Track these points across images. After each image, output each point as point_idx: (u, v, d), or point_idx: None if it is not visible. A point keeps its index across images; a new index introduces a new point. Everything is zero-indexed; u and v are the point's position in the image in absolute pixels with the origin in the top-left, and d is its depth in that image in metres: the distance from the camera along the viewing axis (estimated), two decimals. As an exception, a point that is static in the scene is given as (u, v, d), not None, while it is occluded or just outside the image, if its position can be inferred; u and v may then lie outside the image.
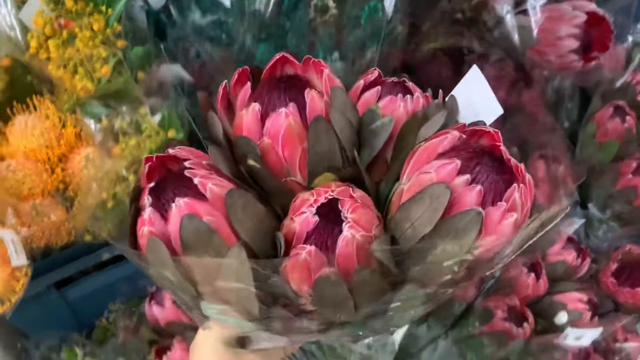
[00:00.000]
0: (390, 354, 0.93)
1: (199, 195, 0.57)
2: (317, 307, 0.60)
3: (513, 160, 0.59)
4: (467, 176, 0.56)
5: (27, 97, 1.13)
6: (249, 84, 0.66)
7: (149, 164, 0.61)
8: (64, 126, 1.12)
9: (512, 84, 1.44)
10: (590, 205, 1.54)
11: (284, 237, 0.59)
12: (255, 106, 0.62)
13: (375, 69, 0.74)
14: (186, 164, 0.60)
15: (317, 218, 0.57)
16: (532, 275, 1.40)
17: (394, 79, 0.73)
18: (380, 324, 0.66)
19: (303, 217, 0.58)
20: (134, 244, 0.59)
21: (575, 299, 1.42)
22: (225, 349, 0.72)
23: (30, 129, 1.10)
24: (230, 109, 0.69)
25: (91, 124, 1.10)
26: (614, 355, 1.45)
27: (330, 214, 0.58)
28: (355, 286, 0.57)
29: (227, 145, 0.65)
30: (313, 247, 0.56)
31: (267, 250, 0.60)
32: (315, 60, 0.67)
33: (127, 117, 1.08)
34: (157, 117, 1.09)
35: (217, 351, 0.72)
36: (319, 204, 0.58)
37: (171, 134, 1.09)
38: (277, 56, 0.67)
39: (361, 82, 0.73)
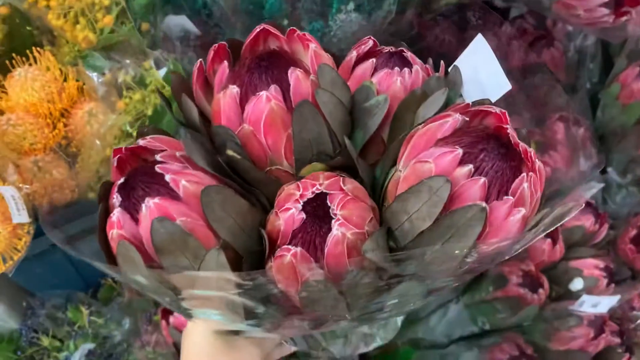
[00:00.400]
0: (393, 331, 0.89)
1: (172, 194, 0.52)
2: (306, 309, 0.56)
3: (522, 145, 0.52)
4: (470, 167, 0.50)
5: (26, 49, 1.08)
6: (226, 63, 0.60)
7: (118, 156, 0.56)
8: (65, 79, 1.08)
9: (532, 42, 1.36)
10: (610, 170, 1.47)
11: (269, 234, 0.54)
12: (233, 89, 0.56)
13: (369, 38, 0.67)
14: (158, 157, 0.54)
15: (303, 215, 0.52)
16: (548, 240, 1.34)
17: (391, 48, 0.66)
18: (376, 317, 0.62)
19: (288, 214, 0.52)
20: (105, 244, 0.54)
21: (591, 266, 1.36)
22: (217, 336, 0.68)
23: (30, 81, 1.05)
24: (208, 87, 0.63)
25: (94, 77, 1.07)
26: (630, 323, 1.41)
27: (318, 210, 0.52)
28: (347, 287, 0.52)
29: (206, 131, 0.59)
30: (299, 249, 0.51)
31: (253, 245, 0.55)
32: (301, 33, 0.60)
33: (131, 71, 1.04)
34: (163, 71, 1.04)
35: (208, 339, 0.68)
36: (305, 199, 0.52)
37: None
38: (258, 28, 0.60)
39: (354, 54, 0.66)
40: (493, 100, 0.60)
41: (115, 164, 0.56)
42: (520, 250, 0.56)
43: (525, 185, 0.51)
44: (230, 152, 0.55)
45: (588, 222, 1.40)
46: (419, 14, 1.12)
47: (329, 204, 0.52)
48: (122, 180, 0.53)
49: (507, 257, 0.56)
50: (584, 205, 1.33)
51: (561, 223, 0.52)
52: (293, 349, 0.79)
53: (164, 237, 0.50)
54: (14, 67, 1.08)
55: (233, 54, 0.62)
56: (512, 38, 1.34)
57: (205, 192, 0.51)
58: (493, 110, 0.54)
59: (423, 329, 1.36)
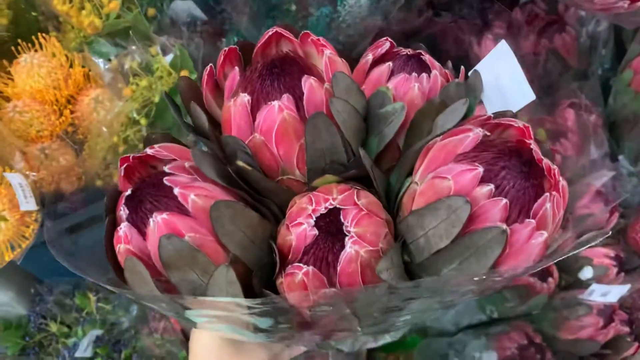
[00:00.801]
0: (403, 330, 0.88)
1: (180, 208, 0.50)
2: (317, 325, 0.54)
3: (545, 161, 0.50)
4: (491, 187, 0.48)
5: (32, 35, 1.07)
6: (237, 69, 0.57)
7: (126, 165, 0.54)
8: (71, 66, 1.08)
9: (544, 28, 1.33)
10: (621, 158, 1.45)
11: (280, 248, 0.53)
12: (244, 97, 0.54)
13: (386, 39, 0.64)
14: (166, 168, 0.53)
15: (315, 231, 0.50)
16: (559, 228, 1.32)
17: (409, 51, 0.63)
18: (389, 329, 0.61)
19: (300, 229, 0.51)
20: (112, 256, 0.52)
21: (601, 254, 1.35)
22: (224, 338, 0.67)
23: (36, 68, 1.05)
24: (219, 91, 0.61)
25: (100, 63, 1.05)
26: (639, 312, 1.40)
27: (330, 226, 0.50)
28: (360, 305, 0.51)
29: (216, 137, 0.57)
30: (311, 268, 0.50)
31: (263, 258, 0.54)
32: (315, 38, 0.58)
33: (138, 57, 1.03)
34: (169, 57, 1.02)
35: (216, 341, 0.67)
36: (318, 214, 0.51)
37: (183, 74, 1.02)
38: (270, 31, 0.58)
39: (370, 57, 0.63)
40: (515, 110, 0.58)
41: (122, 173, 0.54)
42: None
43: (548, 205, 0.49)
44: (240, 163, 0.53)
45: (599, 210, 1.38)
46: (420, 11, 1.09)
47: (342, 220, 0.50)
48: (129, 192, 0.52)
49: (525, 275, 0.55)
50: (595, 194, 1.32)
51: (585, 248, 0.51)
52: (303, 349, 0.78)
53: (171, 253, 0.49)
54: (19, 53, 1.07)
55: (244, 56, 0.60)
56: (524, 23, 1.32)
57: (214, 207, 0.50)
58: (516, 125, 0.52)
59: (431, 317, 1.35)
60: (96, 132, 1.05)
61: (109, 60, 1.05)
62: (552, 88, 1.31)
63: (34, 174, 1.05)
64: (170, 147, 0.55)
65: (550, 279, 1.28)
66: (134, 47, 1.04)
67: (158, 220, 0.49)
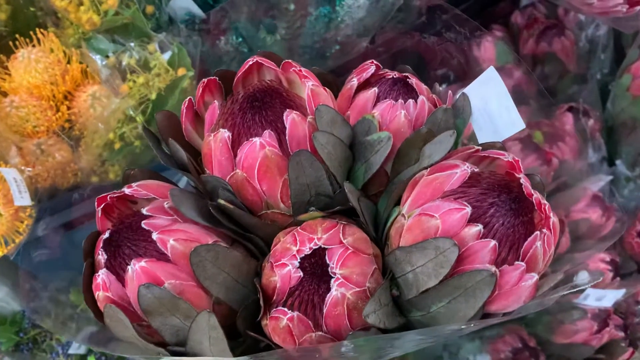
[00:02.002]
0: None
1: (160, 253, 0.49)
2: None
3: (536, 196, 0.49)
4: (479, 228, 0.47)
5: (30, 30, 1.04)
6: (216, 103, 0.56)
7: (103, 205, 0.52)
8: (69, 62, 1.04)
9: (543, 31, 1.32)
10: (619, 163, 1.43)
11: (264, 288, 0.52)
12: (224, 133, 0.52)
13: (372, 62, 0.62)
14: (144, 210, 0.51)
15: (300, 273, 0.49)
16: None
17: (394, 74, 0.61)
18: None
19: (285, 271, 0.50)
20: (91, 301, 0.52)
21: (597, 259, 1.33)
22: None
23: (33, 63, 1.02)
24: (199, 121, 0.59)
25: (97, 60, 1.04)
26: (635, 317, 1.40)
27: (316, 268, 0.49)
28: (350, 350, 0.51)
29: (197, 171, 0.56)
30: (296, 314, 0.49)
31: (249, 295, 0.53)
32: (297, 69, 0.56)
33: (135, 54, 1.02)
34: (167, 55, 1.00)
35: None
36: (302, 254, 0.49)
37: (181, 72, 1.00)
38: (251, 60, 0.56)
39: (354, 82, 0.62)
40: (504, 137, 0.57)
41: (99, 214, 0.53)
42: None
43: (539, 244, 0.48)
44: (222, 202, 0.52)
45: (595, 214, 1.36)
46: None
47: (327, 260, 0.49)
48: (107, 235, 0.51)
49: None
50: (591, 199, 1.31)
51: (578, 290, 0.51)
52: None
53: (151, 301, 0.48)
54: (17, 48, 1.05)
55: (225, 85, 0.58)
56: (523, 27, 1.31)
57: (195, 253, 0.48)
58: (505, 159, 0.51)
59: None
60: (93, 128, 1.03)
61: (107, 57, 1.04)
62: (551, 92, 1.30)
63: (29, 169, 1.03)
64: (149, 185, 0.54)
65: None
66: (132, 44, 1.03)
67: (136, 269, 0.48)
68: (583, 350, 1.33)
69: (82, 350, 1.32)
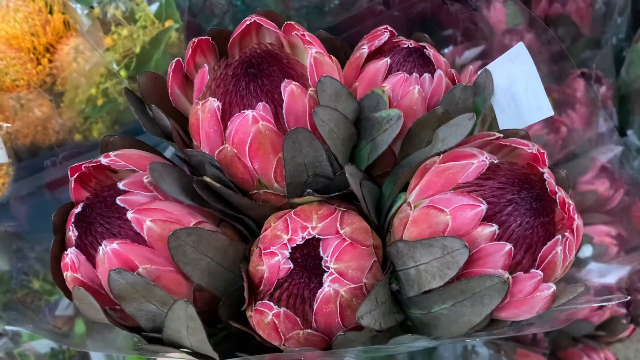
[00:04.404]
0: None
1: (135, 234, 0.44)
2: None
3: (560, 194, 0.43)
4: (494, 229, 0.41)
5: (9, -23, 0.98)
6: (206, 67, 0.49)
7: (77, 175, 0.47)
8: (50, 12, 0.97)
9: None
10: (630, 133, 1.37)
11: (251, 276, 0.46)
12: (214, 103, 0.46)
13: (385, 28, 0.55)
14: (121, 185, 0.46)
15: (290, 265, 0.44)
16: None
17: (410, 43, 0.54)
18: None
19: (273, 260, 0.44)
20: (60, 279, 0.46)
21: (602, 232, 1.27)
22: None
23: (12, 12, 0.96)
24: (189, 84, 0.53)
25: (78, 9, 0.98)
26: (638, 294, 1.35)
27: (308, 260, 0.44)
28: (338, 346, 0.46)
29: (183, 142, 0.50)
30: (282, 310, 0.44)
31: (234, 281, 0.47)
32: (300, 32, 0.50)
33: (122, 5, 0.95)
34: (154, 6, 0.94)
35: None
36: (294, 244, 0.44)
37: (168, 24, 0.94)
38: (249, 20, 0.50)
39: (365, 49, 0.55)
40: (528, 123, 0.51)
41: (73, 184, 0.47)
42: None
43: (559, 249, 0.42)
44: (208, 180, 0.46)
45: (602, 186, 1.30)
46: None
47: (321, 253, 0.44)
48: (79, 209, 0.45)
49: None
50: (600, 170, 1.25)
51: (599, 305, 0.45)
52: None
53: (123, 287, 0.43)
54: (-6, -4, 0.99)
55: (219, 46, 0.52)
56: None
57: (173, 236, 0.43)
58: (529, 151, 0.45)
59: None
60: (75, 83, 0.97)
61: (92, 7, 0.97)
62: (562, 56, 1.24)
63: (8, 125, 0.98)
64: (129, 156, 0.48)
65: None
66: None
67: (107, 251, 0.43)
68: (583, 327, 1.28)
69: (70, 311, 1.28)
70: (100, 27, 0.97)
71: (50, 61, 0.99)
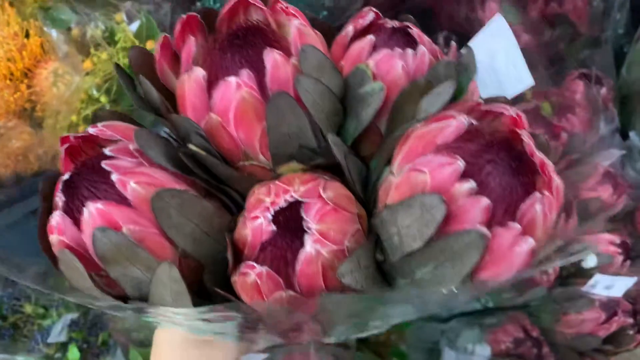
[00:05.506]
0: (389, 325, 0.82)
1: (120, 197, 0.45)
2: (274, 330, 0.49)
3: (538, 156, 0.44)
4: (472, 184, 0.42)
5: (-20, -1, 0.98)
6: (192, 38, 0.50)
7: (67, 145, 0.48)
8: (27, 35, 0.98)
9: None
10: (632, 134, 1.34)
11: (236, 242, 0.47)
12: (198, 72, 0.47)
13: (370, 9, 0.57)
14: (107, 150, 0.47)
15: (273, 227, 0.45)
16: (562, 214, 1.23)
17: (395, 23, 0.56)
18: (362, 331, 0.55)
19: (256, 223, 0.45)
20: (47, 247, 0.47)
21: (606, 241, 1.25)
22: (186, 339, 0.62)
23: None
24: (178, 62, 0.53)
25: (53, 33, 0.97)
26: (645, 303, 1.33)
27: (290, 222, 0.45)
28: (321, 311, 0.46)
29: (170, 116, 0.51)
30: (265, 269, 0.44)
31: (220, 251, 0.47)
32: (285, 6, 0.51)
33: (101, 25, 0.95)
34: (135, 26, 0.94)
35: (177, 342, 0.62)
36: (276, 207, 0.45)
37: (149, 45, 0.94)
38: None
39: (350, 28, 0.56)
40: (510, 96, 0.51)
41: (63, 154, 0.48)
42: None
43: (538, 207, 0.42)
44: (192, 146, 0.47)
45: (606, 193, 1.27)
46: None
47: (303, 215, 0.44)
48: (66, 176, 0.46)
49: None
50: (603, 176, 1.24)
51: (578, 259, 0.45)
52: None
53: (108, 247, 0.43)
54: (-32, 20, 0.99)
55: (208, 25, 0.53)
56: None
57: (157, 196, 0.44)
58: (508, 113, 0.46)
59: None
60: (56, 108, 0.97)
61: (69, 29, 0.97)
62: (560, 57, 1.23)
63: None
64: (115, 126, 0.49)
65: (550, 270, 1.20)
66: (96, 14, 0.96)
67: (92, 210, 0.43)
68: (589, 341, 1.26)
69: (62, 337, 1.28)
70: (78, 50, 0.96)
71: (28, 86, 0.98)
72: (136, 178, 0.45)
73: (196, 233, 0.46)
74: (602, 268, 1.24)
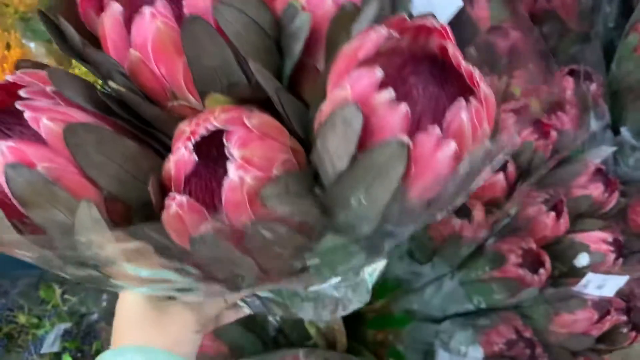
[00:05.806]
0: (367, 294, 0.79)
1: (36, 136, 0.43)
2: (206, 270, 0.47)
3: (465, 66, 0.41)
4: (390, 91, 0.40)
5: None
6: None
7: None
8: (8, 48, 0.98)
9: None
10: (623, 130, 1.32)
11: (164, 181, 0.45)
12: (115, 7, 0.46)
13: None
14: (22, 92, 0.45)
15: (195, 157, 0.43)
16: (552, 213, 1.18)
17: None
18: (305, 279, 0.53)
19: (178, 155, 0.43)
20: None
21: (598, 239, 1.20)
22: (148, 302, 0.62)
23: None
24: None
25: (31, 45, 0.97)
26: (637, 301, 1.29)
27: (212, 150, 0.43)
28: (250, 243, 0.44)
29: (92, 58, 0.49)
30: (185, 198, 0.42)
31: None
32: None
33: None
34: None
35: (139, 305, 0.62)
36: (197, 137, 0.43)
37: None
38: None
39: None
40: (444, 21, 0.49)
41: None
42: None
43: (464, 114, 0.40)
44: (113, 85, 0.45)
45: (597, 191, 1.25)
46: None
47: (226, 142, 0.42)
48: None
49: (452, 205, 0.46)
50: (594, 173, 1.21)
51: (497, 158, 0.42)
52: (243, 312, 0.71)
53: (23, 186, 0.42)
54: (-53, 33, 0.99)
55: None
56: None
57: (69, 130, 0.42)
58: (431, 25, 0.43)
59: (418, 300, 1.26)
60: None
61: (49, 40, 0.97)
62: (550, 54, 1.22)
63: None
64: (35, 73, 0.48)
65: (541, 271, 1.15)
66: None
67: (3, 149, 0.42)
68: (583, 341, 1.22)
69: (55, 347, 1.27)
70: (59, 62, 0.96)
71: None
72: (49, 114, 0.43)
73: (121, 174, 0.45)
74: (594, 266, 1.21)
